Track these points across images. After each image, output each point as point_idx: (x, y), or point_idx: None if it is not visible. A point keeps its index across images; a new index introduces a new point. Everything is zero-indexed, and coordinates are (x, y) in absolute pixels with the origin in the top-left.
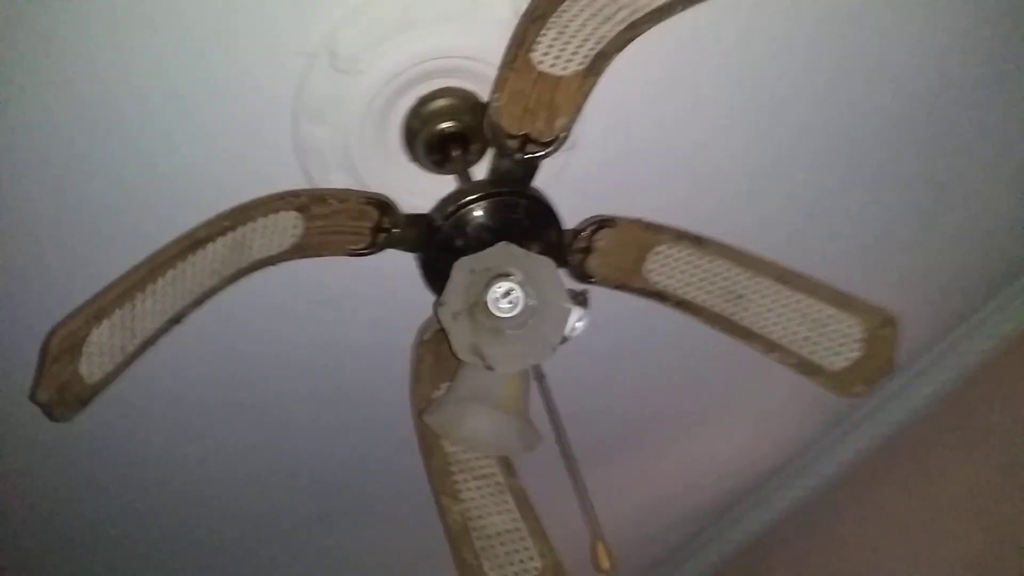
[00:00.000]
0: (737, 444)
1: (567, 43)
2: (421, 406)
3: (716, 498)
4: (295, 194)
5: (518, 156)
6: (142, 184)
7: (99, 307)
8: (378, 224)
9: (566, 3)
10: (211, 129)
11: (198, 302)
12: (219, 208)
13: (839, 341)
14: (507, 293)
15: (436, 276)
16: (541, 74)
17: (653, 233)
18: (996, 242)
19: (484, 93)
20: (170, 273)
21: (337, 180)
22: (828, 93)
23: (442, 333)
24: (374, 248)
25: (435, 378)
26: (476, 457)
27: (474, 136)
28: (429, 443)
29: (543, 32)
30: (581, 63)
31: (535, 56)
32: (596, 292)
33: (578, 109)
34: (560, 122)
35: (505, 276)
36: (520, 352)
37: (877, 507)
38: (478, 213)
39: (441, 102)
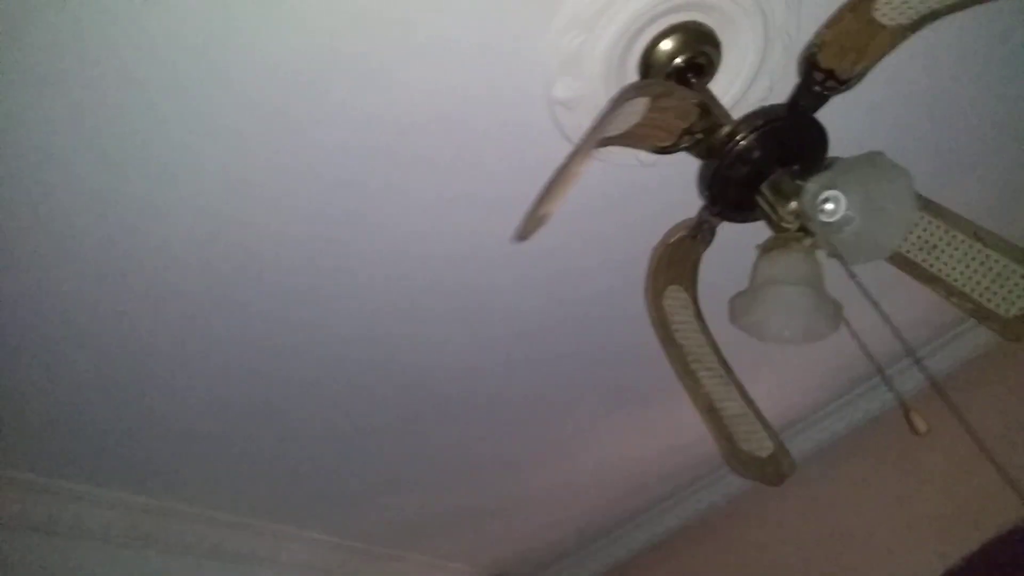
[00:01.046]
0: None
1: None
2: (655, 299)
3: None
4: (650, 84)
5: (816, 89)
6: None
7: None
8: (691, 127)
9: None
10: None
11: None
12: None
13: (1017, 293)
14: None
15: (718, 183)
16: (872, 20)
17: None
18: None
19: (700, 18)
20: None
21: (586, 126)
22: None
23: (681, 240)
24: (675, 149)
25: (667, 278)
26: (706, 351)
27: (703, 61)
28: (666, 334)
29: None
30: (909, 19)
31: (876, 4)
32: None
33: (882, 57)
34: (862, 65)
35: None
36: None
37: (860, 475)
38: (775, 133)
39: (668, 41)
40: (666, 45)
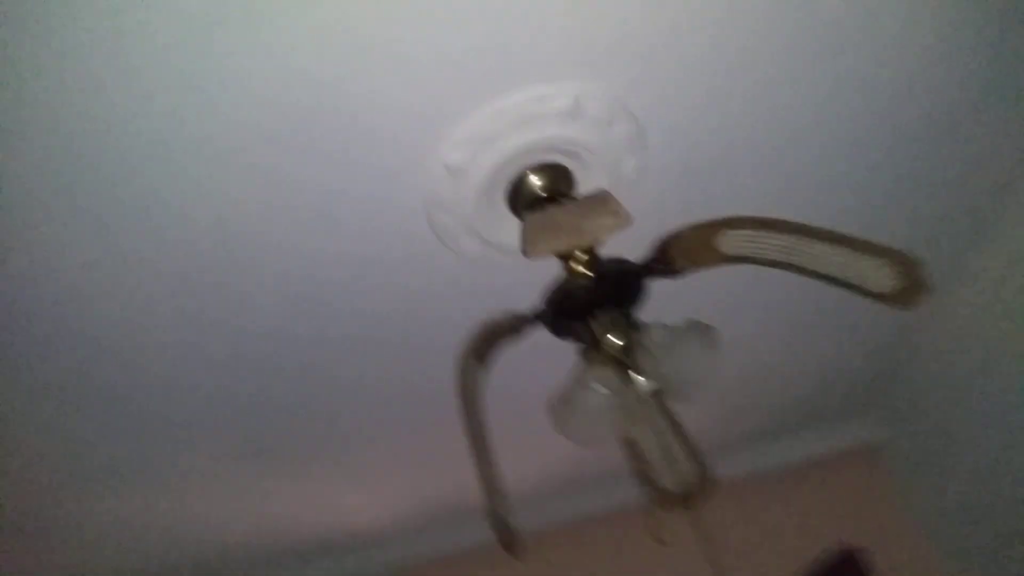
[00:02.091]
0: None
1: (746, 243)
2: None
3: None
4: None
5: (656, 266)
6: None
7: None
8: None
9: (765, 235)
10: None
11: None
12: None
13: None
14: None
15: (558, 299)
16: (713, 246)
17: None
18: None
19: (556, 159)
20: None
21: (465, 241)
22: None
23: (502, 327)
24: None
25: (476, 354)
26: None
27: (556, 193)
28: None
29: (744, 233)
30: (736, 254)
31: (723, 240)
32: None
33: (705, 269)
34: (691, 269)
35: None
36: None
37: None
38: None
39: (530, 178)
40: (533, 178)
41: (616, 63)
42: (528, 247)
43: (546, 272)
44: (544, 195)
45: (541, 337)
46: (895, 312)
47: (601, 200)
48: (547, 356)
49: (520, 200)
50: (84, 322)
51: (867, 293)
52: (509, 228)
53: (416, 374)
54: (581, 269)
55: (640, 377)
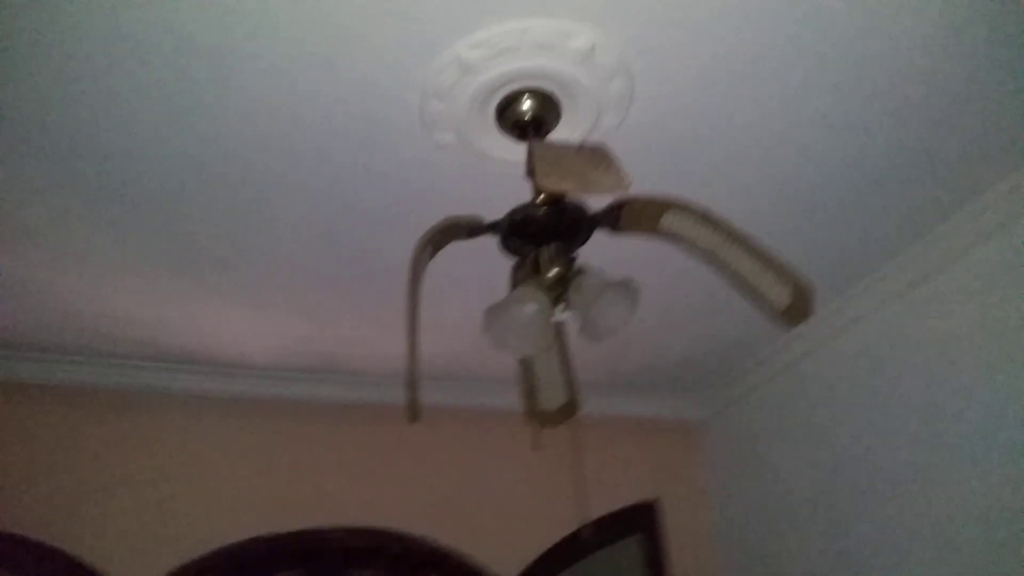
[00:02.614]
0: None
1: (686, 227)
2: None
3: None
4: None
5: (603, 218)
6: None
7: None
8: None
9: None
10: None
11: None
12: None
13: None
14: None
15: (518, 219)
16: (659, 223)
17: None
18: None
19: (554, 91)
20: None
21: (446, 138)
22: None
23: (459, 225)
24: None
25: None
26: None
27: (541, 121)
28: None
29: (688, 218)
30: (672, 233)
31: (668, 217)
32: None
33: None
34: (629, 230)
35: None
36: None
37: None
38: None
39: (525, 98)
40: (521, 103)
41: (636, 24)
42: (539, 177)
43: (505, 185)
44: (527, 118)
45: (484, 243)
46: (737, 324)
47: (608, 159)
48: (478, 259)
49: (507, 114)
50: None
51: (762, 302)
52: (489, 135)
53: (355, 235)
54: (546, 200)
55: (564, 308)
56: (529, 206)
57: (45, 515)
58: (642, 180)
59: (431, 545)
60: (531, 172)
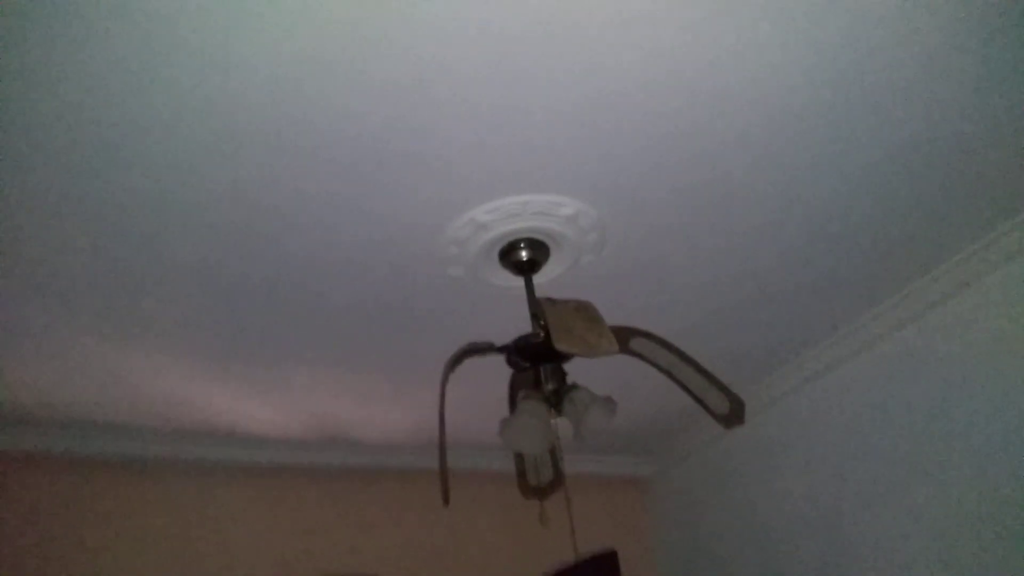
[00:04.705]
0: None
1: (647, 349)
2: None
3: None
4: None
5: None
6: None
7: None
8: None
9: (662, 349)
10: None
11: None
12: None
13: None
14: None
15: (521, 344)
16: (626, 344)
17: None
18: None
19: (546, 241)
20: None
21: (458, 272)
22: None
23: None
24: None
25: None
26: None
27: (535, 262)
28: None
29: (649, 343)
30: (636, 351)
31: (635, 341)
32: None
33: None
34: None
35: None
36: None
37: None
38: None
39: (523, 245)
40: (520, 249)
41: (609, 198)
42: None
43: (502, 305)
44: (524, 259)
45: (492, 360)
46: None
47: (598, 322)
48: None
49: (509, 256)
50: None
51: (706, 408)
52: (492, 269)
53: (374, 335)
54: (543, 335)
55: (558, 416)
56: (531, 336)
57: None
58: (611, 298)
59: None
60: (535, 316)
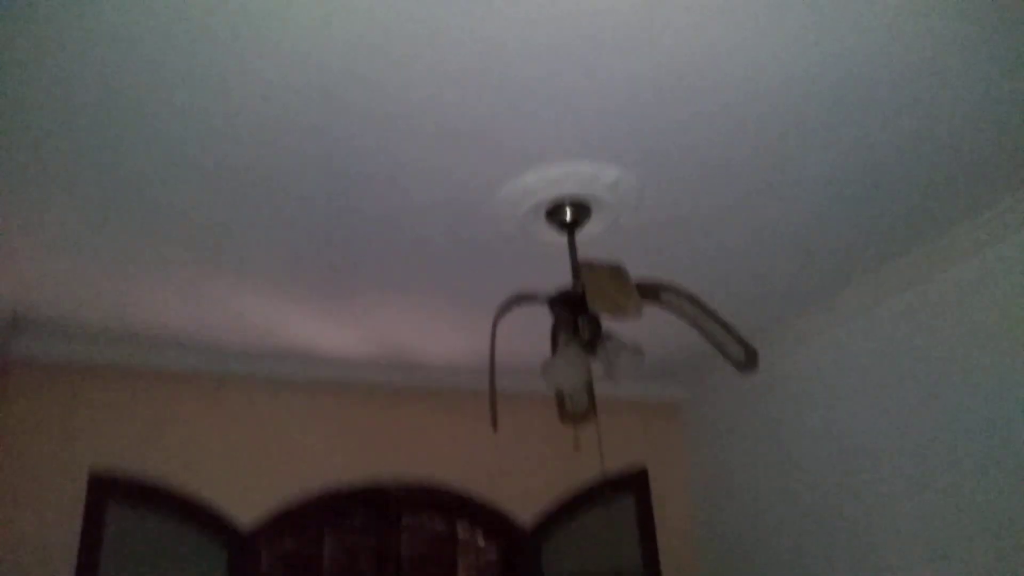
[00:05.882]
0: None
1: (675, 301)
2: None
3: None
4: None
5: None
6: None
7: None
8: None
9: (687, 302)
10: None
11: None
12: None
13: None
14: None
15: (564, 296)
16: (657, 296)
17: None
18: None
19: (588, 203)
20: None
21: (508, 229)
22: None
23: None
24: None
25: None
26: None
27: (578, 221)
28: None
29: (677, 295)
30: (665, 301)
31: (664, 293)
32: None
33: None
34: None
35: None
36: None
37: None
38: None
39: (568, 207)
40: (565, 209)
41: (648, 164)
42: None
43: (546, 259)
44: (568, 220)
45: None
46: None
47: (632, 291)
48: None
49: (554, 215)
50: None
51: (725, 355)
52: (539, 227)
53: (434, 278)
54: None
55: (593, 359)
56: (571, 290)
57: (168, 468)
58: (647, 252)
59: (467, 495)
60: (575, 274)
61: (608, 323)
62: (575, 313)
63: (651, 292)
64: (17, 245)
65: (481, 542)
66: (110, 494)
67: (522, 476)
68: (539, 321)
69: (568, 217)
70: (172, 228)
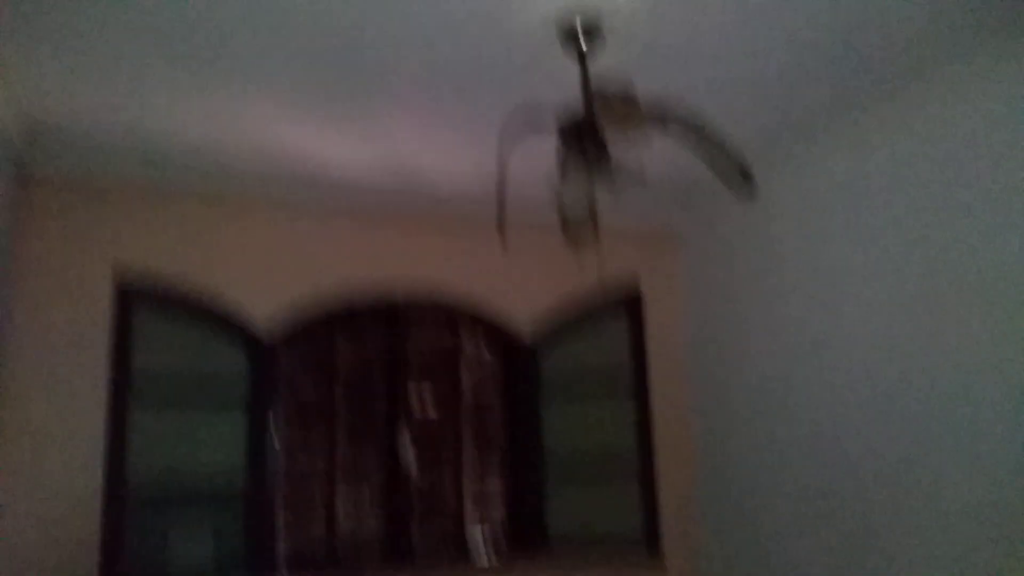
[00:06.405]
0: None
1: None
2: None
3: None
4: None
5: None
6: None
7: None
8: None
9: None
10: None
11: None
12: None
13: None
14: None
15: (570, 121)
16: (664, 125)
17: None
18: None
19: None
20: None
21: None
22: None
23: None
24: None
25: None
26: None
27: (592, 44)
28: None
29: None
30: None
31: (669, 115)
32: None
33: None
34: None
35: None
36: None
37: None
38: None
39: (578, 32)
40: (576, 38)
41: None
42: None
43: (561, 93)
44: (581, 42)
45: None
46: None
47: (640, 113)
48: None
49: (568, 43)
50: None
51: (720, 177)
52: (553, 54)
53: (448, 92)
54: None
55: (598, 181)
56: (581, 119)
57: (192, 279)
58: (654, 70)
59: (471, 310)
60: (587, 100)
61: (614, 151)
62: (583, 139)
63: (656, 118)
64: (31, 52)
65: (485, 353)
66: (138, 300)
67: (522, 290)
68: (546, 152)
69: (581, 40)
70: (185, 41)
